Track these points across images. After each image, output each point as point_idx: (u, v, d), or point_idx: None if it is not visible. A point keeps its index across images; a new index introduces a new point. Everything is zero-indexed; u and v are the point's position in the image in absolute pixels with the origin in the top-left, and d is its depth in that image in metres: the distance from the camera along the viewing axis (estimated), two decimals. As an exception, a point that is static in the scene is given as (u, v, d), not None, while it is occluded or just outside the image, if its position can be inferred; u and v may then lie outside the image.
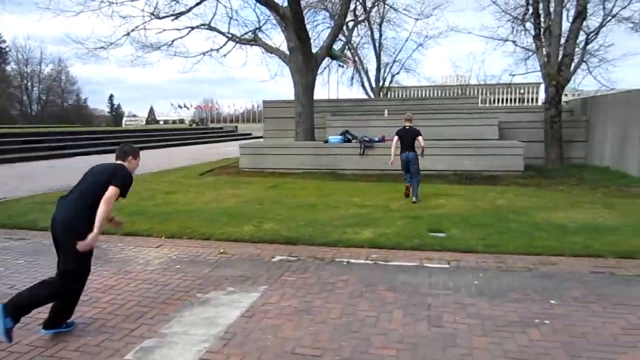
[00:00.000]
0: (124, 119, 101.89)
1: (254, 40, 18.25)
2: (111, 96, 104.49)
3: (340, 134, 13.39)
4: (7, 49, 66.73)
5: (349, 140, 13.15)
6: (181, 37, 20.05)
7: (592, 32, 29.23)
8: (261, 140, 20.90)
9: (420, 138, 8.84)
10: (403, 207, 8.13)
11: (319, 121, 15.77)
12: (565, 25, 13.21)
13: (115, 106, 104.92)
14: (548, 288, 4.36)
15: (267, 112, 19.09)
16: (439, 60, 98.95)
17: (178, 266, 5.33)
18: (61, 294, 3.48)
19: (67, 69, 73.02)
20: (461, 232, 6.32)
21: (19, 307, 3.28)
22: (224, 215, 7.63)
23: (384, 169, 12.67)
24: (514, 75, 21.38)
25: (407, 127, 9.07)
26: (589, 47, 29.01)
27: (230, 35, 18.53)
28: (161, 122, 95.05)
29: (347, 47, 29.52)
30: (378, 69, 32.35)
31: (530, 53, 21.71)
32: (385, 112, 14.86)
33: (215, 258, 5.65)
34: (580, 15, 12.14)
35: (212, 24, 17.94)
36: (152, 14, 16.16)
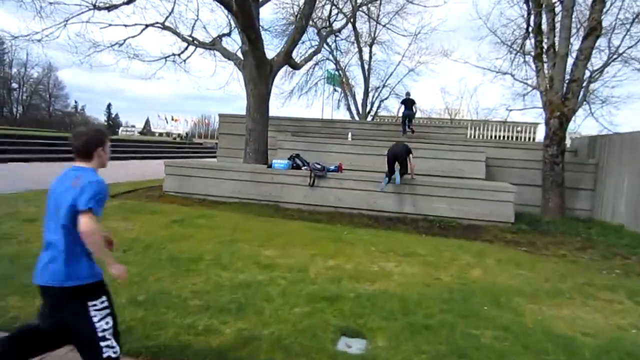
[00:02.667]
0: (121, 128, 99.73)
1: (213, 44, 15.85)
2: (109, 105, 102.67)
3: (288, 159, 10.72)
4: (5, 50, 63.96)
5: (298, 167, 10.47)
6: (134, 36, 17.65)
7: (596, 71, 27.16)
8: (214, 160, 18.31)
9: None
10: (327, 271, 5.38)
11: (276, 142, 13.12)
12: (574, 46, 10.80)
13: (113, 115, 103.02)
14: None
15: (223, 128, 16.43)
16: (432, 90, 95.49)
17: None
18: None
19: (55, 73, 70.71)
20: (392, 344, 3.57)
21: None
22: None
23: (337, 205, 10.00)
24: (510, 110, 19.01)
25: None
26: (591, 86, 26.89)
27: (190, 39, 16.14)
28: (156, 134, 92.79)
29: (326, 57, 27.31)
30: (366, 92, 30.07)
31: (529, 89, 19.40)
32: (349, 135, 12.23)
33: None
34: (594, 31, 9.65)
35: (178, 28, 15.60)
36: (93, 5, 13.73)
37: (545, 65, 10.61)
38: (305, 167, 10.38)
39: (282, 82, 28.92)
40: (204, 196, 10.70)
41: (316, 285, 4.84)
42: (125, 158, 26.92)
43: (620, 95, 27.70)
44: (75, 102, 79.99)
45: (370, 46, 29.90)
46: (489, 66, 26.95)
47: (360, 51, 28.81)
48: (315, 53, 15.80)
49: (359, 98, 30.41)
